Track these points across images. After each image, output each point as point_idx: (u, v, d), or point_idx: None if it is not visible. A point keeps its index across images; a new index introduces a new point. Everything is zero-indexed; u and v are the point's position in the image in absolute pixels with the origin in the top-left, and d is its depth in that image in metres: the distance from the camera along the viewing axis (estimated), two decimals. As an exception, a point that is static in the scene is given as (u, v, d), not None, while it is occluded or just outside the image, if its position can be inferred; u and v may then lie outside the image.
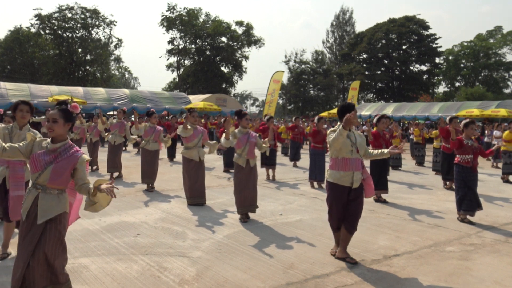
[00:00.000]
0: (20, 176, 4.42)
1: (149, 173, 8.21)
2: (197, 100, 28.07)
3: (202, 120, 17.54)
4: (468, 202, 6.09)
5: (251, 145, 6.07)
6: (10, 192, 4.31)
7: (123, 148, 15.07)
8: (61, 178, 3.01)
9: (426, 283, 3.87)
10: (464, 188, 6.15)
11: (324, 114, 28.52)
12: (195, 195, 7.00)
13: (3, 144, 2.99)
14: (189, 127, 6.98)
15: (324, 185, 9.18)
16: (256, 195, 6.14)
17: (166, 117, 22.75)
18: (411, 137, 15.33)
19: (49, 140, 3.09)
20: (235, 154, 6.16)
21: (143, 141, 8.38)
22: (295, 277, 3.95)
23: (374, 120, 8.07)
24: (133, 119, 22.07)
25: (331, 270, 4.16)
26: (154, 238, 5.10)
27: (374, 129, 7.96)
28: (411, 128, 14.43)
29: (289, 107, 55.94)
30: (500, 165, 13.02)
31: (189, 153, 7.01)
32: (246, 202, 6.02)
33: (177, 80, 48.54)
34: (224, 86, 46.99)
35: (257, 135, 6.40)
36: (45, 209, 2.96)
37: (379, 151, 4.69)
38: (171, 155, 14.17)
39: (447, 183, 9.25)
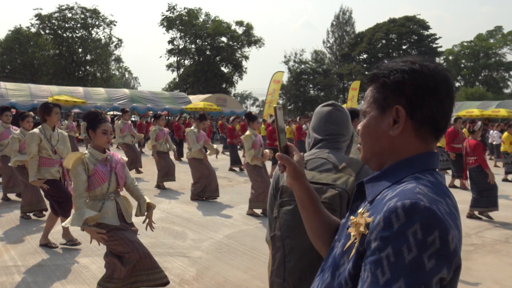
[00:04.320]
0: None
1: (172, 171, 8.70)
2: (197, 100, 28.04)
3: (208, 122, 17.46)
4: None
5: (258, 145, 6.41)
6: (69, 186, 4.73)
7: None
8: (124, 180, 3.34)
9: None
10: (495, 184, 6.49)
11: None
12: (214, 189, 7.41)
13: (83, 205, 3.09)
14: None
15: None
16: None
17: (168, 118, 22.77)
18: None
19: (87, 151, 3.22)
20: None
21: (155, 144, 8.75)
22: (295, 277, 3.95)
23: None
24: (133, 118, 22.12)
25: (331, 270, 4.15)
26: (154, 238, 5.10)
27: None
28: None
29: (289, 107, 55.90)
30: (499, 164, 13.08)
31: (197, 154, 7.39)
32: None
33: (177, 80, 48.52)
34: (224, 86, 46.95)
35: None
36: (127, 210, 3.32)
37: None
38: (179, 153, 14.18)
39: (463, 181, 9.32)
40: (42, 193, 5.63)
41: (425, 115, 0.92)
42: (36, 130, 4.67)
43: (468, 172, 6.71)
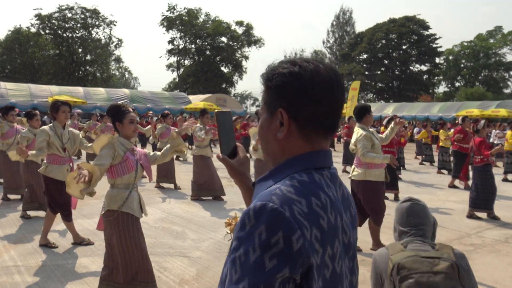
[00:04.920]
0: None
1: (171, 172, 8.64)
2: (197, 100, 28.05)
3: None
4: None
5: None
6: None
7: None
8: (151, 168, 3.40)
9: (426, 283, 3.86)
10: (494, 185, 6.52)
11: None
12: (218, 188, 7.45)
13: (98, 174, 3.07)
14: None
15: None
16: None
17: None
18: (415, 136, 15.38)
19: (115, 138, 3.24)
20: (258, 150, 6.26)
21: (159, 142, 8.75)
22: (295, 277, 3.95)
23: (384, 122, 8.16)
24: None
25: (331, 270, 4.15)
26: (154, 238, 5.10)
27: (382, 129, 8.07)
28: (415, 129, 14.66)
29: (289, 107, 55.92)
30: (499, 163, 13.09)
31: (205, 151, 7.43)
32: None
33: (177, 80, 48.51)
34: (224, 86, 46.94)
35: None
36: (144, 204, 3.37)
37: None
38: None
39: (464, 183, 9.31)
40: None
41: (307, 116, 0.92)
42: (46, 127, 4.71)
43: (472, 171, 6.66)
